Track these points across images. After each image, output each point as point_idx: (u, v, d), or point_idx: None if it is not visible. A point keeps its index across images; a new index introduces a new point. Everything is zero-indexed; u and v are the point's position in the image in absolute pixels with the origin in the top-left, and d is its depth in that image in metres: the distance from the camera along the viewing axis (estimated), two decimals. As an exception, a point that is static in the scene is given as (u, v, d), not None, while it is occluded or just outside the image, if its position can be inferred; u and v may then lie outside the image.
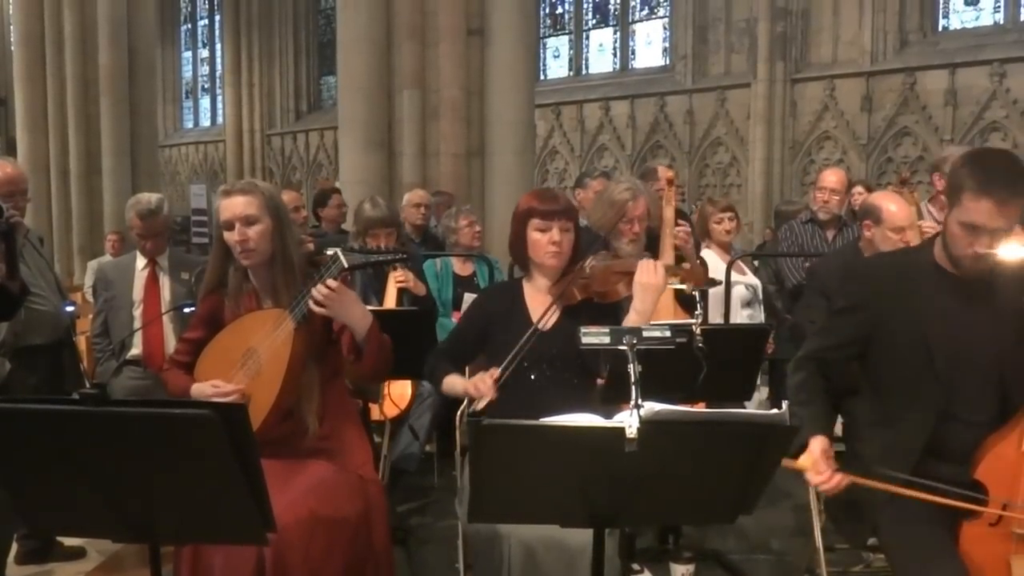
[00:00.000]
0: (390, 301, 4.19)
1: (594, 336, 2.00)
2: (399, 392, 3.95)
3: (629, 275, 2.66)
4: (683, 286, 2.86)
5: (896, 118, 11.98)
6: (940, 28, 12.05)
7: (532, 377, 2.71)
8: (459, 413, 3.16)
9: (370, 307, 2.93)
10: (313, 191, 15.74)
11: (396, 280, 4.18)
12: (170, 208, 4.32)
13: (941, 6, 12.03)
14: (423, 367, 2.93)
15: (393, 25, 7.48)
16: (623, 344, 1.95)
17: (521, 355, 2.64)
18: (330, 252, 2.51)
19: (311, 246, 3.78)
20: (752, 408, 4.36)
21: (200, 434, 1.70)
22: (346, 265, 2.44)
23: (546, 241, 2.72)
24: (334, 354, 2.65)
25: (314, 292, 2.45)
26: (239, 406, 1.80)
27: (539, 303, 2.78)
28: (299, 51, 19.17)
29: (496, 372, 2.60)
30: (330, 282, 2.45)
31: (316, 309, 2.46)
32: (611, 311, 2.75)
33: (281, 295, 2.58)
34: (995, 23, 11.67)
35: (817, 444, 2.44)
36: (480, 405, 2.60)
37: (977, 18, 11.83)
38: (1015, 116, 11.09)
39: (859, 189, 5.70)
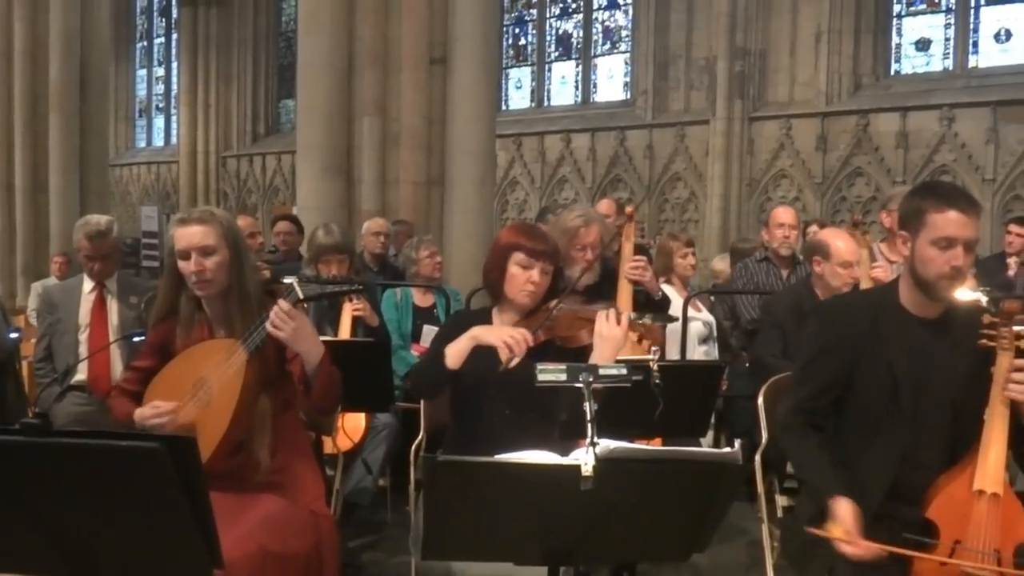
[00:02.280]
0: (344, 331, 4.14)
1: (551, 373, 1.99)
2: (353, 425, 3.90)
3: (593, 322, 2.65)
4: (640, 341, 2.83)
5: (850, 158, 12.23)
6: (892, 72, 12.37)
7: (492, 414, 2.69)
8: (414, 447, 3.13)
9: (324, 337, 2.89)
10: (269, 216, 15.61)
11: (352, 310, 4.13)
12: (120, 230, 4.24)
13: (893, 51, 12.35)
14: (376, 399, 2.90)
15: (355, 51, 7.47)
16: (579, 382, 1.95)
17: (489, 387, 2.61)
18: (286, 281, 2.48)
19: (267, 274, 3.73)
20: (705, 444, 4.39)
21: (148, 467, 1.66)
22: (301, 296, 2.42)
23: (524, 279, 2.70)
24: (287, 386, 2.60)
25: (272, 314, 2.42)
26: (188, 439, 1.75)
27: None
28: (258, 73, 19.03)
29: (529, 336, 2.54)
30: (285, 304, 2.42)
31: (271, 331, 2.42)
32: (575, 357, 2.74)
33: (235, 326, 2.54)
34: (944, 69, 12.02)
35: (845, 509, 2.35)
36: (513, 363, 2.52)
37: (928, 64, 12.17)
38: (963, 160, 11.39)
39: (815, 228, 5.81)
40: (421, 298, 4.93)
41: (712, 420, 4.59)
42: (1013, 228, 6.40)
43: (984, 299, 2.45)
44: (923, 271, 2.43)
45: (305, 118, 7.68)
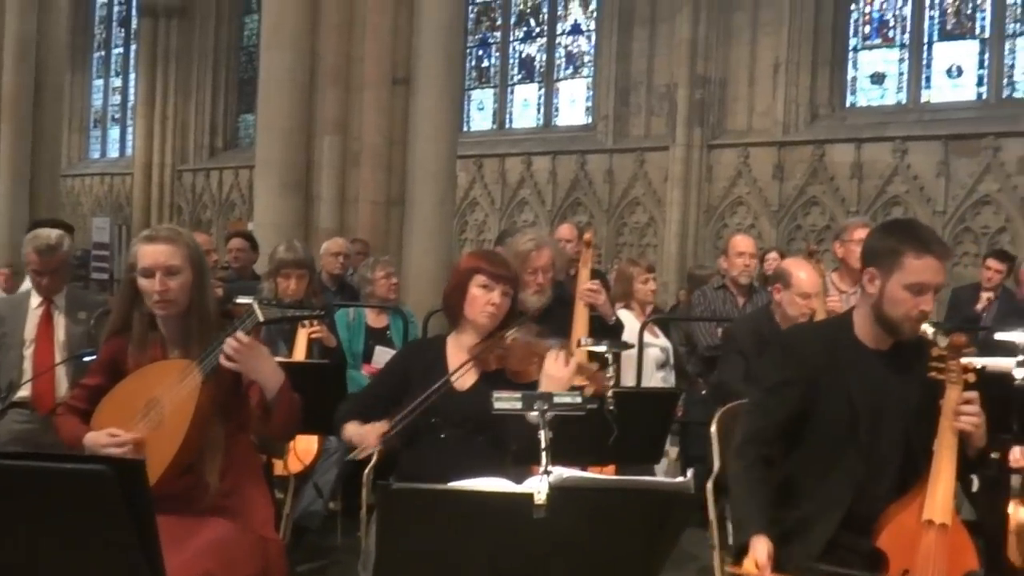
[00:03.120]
0: (300, 352, 4.09)
1: (507, 401, 1.99)
2: (305, 447, 3.84)
3: (543, 359, 2.66)
4: (583, 388, 2.82)
5: (806, 187, 12.43)
6: (848, 104, 12.61)
7: (444, 437, 2.68)
8: (366, 471, 3.10)
9: (278, 358, 2.86)
10: (224, 231, 15.42)
11: (310, 332, 4.08)
12: (71, 244, 4.15)
13: (849, 84, 12.61)
14: (329, 421, 2.88)
15: (318, 69, 7.46)
16: (534, 410, 1.95)
17: (422, 409, 2.60)
18: (244, 300, 2.45)
19: (219, 291, 3.68)
20: (660, 471, 4.41)
21: (94, 491, 1.62)
22: (261, 319, 2.39)
23: (485, 300, 2.72)
24: (241, 408, 2.56)
25: (225, 346, 2.38)
26: (137, 462, 1.72)
27: (460, 361, 2.77)
28: (217, 86, 18.85)
29: (385, 426, 2.57)
30: (242, 335, 2.38)
31: (226, 363, 2.39)
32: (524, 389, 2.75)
33: (192, 346, 2.50)
34: (898, 103, 12.29)
35: (761, 547, 2.37)
36: (360, 456, 2.58)
37: (882, 97, 12.44)
38: (915, 191, 11.63)
39: (774, 255, 5.88)
40: (375, 318, 4.89)
41: (668, 446, 4.63)
42: (992, 263, 6.40)
43: (931, 331, 2.49)
44: (891, 311, 2.46)
45: (265, 134, 7.64)
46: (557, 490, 1.77)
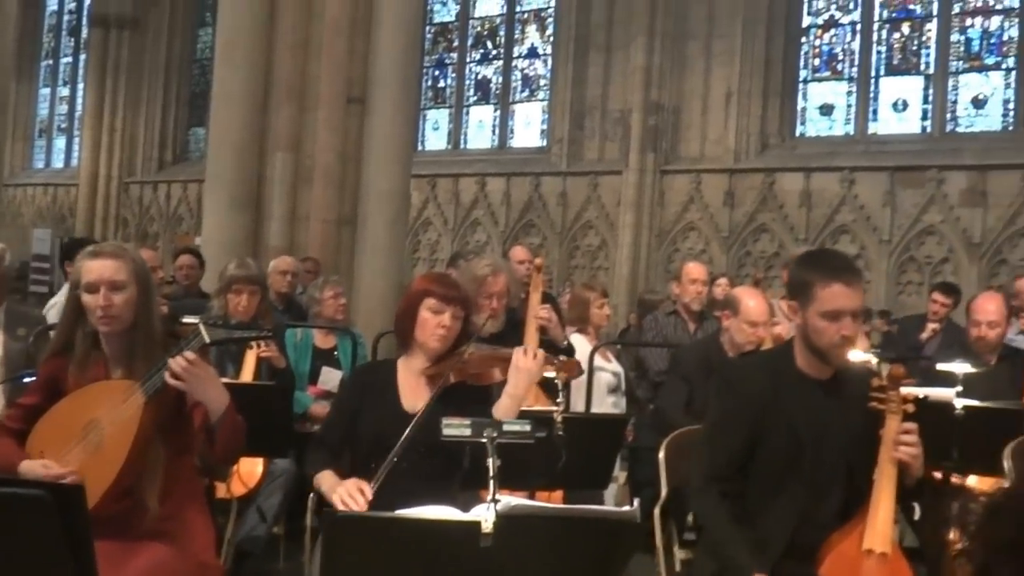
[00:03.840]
0: (248, 372, 4.01)
1: (455, 428, 1.97)
2: (248, 470, 3.76)
3: (507, 362, 2.67)
4: (555, 376, 2.87)
5: (755, 215, 12.63)
6: (797, 134, 12.87)
7: (395, 461, 2.65)
8: (312, 495, 3.04)
9: (224, 379, 2.81)
10: (171, 245, 15.16)
11: (259, 353, 4.01)
12: (11, 258, 4.04)
13: (799, 115, 12.87)
14: (275, 443, 2.83)
15: (272, 85, 7.40)
16: (483, 437, 1.94)
17: (395, 451, 2.57)
18: (190, 320, 2.41)
19: (164, 309, 3.60)
20: (609, 495, 4.41)
21: (30, 516, 1.57)
22: (207, 340, 2.34)
23: (435, 323, 2.72)
24: (183, 430, 2.51)
25: (171, 363, 2.33)
26: (76, 487, 1.67)
27: (411, 385, 2.77)
28: (168, 99, 18.60)
29: (368, 492, 2.50)
30: (189, 354, 2.34)
31: (171, 382, 2.34)
32: (483, 395, 2.74)
33: (135, 366, 2.44)
34: (846, 134, 12.57)
35: None
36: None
37: (830, 128, 12.72)
38: (862, 220, 11.88)
39: (723, 281, 5.96)
40: (322, 339, 4.82)
41: (617, 471, 4.63)
42: (937, 297, 6.51)
43: (874, 361, 2.54)
44: (816, 340, 2.52)
45: (216, 149, 7.55)
46: (504, 519, 1.77)
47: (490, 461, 1.89)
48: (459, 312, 2.75)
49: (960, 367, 3.79)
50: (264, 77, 7.37)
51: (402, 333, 2.83)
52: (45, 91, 21.77)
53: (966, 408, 3.49)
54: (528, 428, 2.01)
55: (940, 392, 3.54)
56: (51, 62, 21.76)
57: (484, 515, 1.76)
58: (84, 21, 20.20)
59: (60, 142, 21.45)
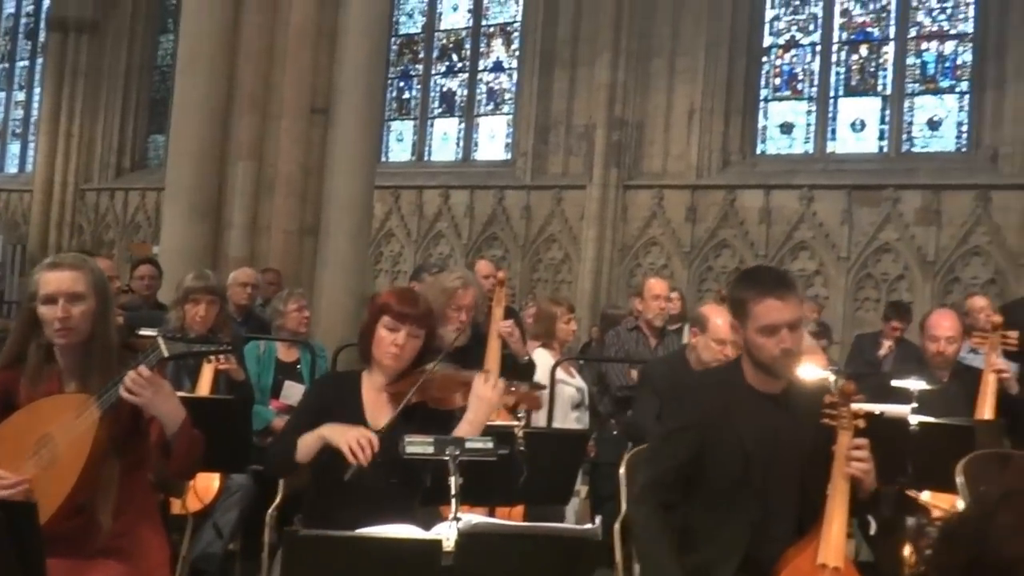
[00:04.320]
0: (205, 386, 3.95)
1: (418, 445, 1.96)
2: (205, 485, 3.70)
3: (468, 386, 2.66)
4: (515, 405, 2.86)
5: (717, 230, 12.75)
6: (758, 152, 13.03)
7: (354, 477, 2.63)
8: (270, 511, 3.01)
9: (182, 392, 2.76)
10: (127, 253, 14.92)
11: (217, 364, 3.95)
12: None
13: (759, 133, 13.04)
14: (233, 458, 2.79)
15: (234, 94, 7.32)
16: (446, 455, 1.93)
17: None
18: (148, 333, 2.37)
19: (120, 320, 3.54)
20: (570, 510, 4.41)
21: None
22: (166, 354, 2.30)
23: (389, 341, 2.70)
24: (138, 446, 2.46)
25: (127, 379, 2.29)
26: (29, 505, 1.63)
27: (373, 399, 2.76)
28: (127, 105, 18.30)
29: (376, 440, 2.51)
30: (144, 369, 2.30)
31: (126, 396, 2.29)
32: (445, 418, 2.72)
33: (91, 380, 2.39)
34: (805, 152, 12.76)
35: None
36: (353, 471, 2.49)
37: (790, 146, 12.90)
38: (820, 237, 12.05)
39: (676, 295, 6.01)
40: (285, 352, 4.77)
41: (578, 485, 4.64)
42: (897, 324, 6.62)
43: (832, 378, 2.58)
44: (758, 356, 2.58)
45: (176, 158, 7.45)
46: (466, 537, 1.76)
47: (452, 479, 1.88)
48: (416, 331, 2.73)
49: (915, 384, 3.86)
50: (226, 85, 7.29)
51: (363, 348, 2.82)
52: (0, 95, 21.36)
53: (921, 424, 3.54)
54: (490, 446, 2.00)
55: (895, 408, 3.59)
56: (7, 65, 21.34)
57: (445, 533, 1.76)
58: (42, 24, 19.87)
59: (15, 147, 21.02)
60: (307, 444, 2.64)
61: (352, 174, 7.50)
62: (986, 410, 4.16)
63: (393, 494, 2.64)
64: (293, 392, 4.48)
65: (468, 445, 1.97)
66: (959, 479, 3.40)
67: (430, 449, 1.98)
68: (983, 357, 4.40)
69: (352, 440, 2.51)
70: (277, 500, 3.01)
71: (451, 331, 3.69)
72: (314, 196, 7.50)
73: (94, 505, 2.36)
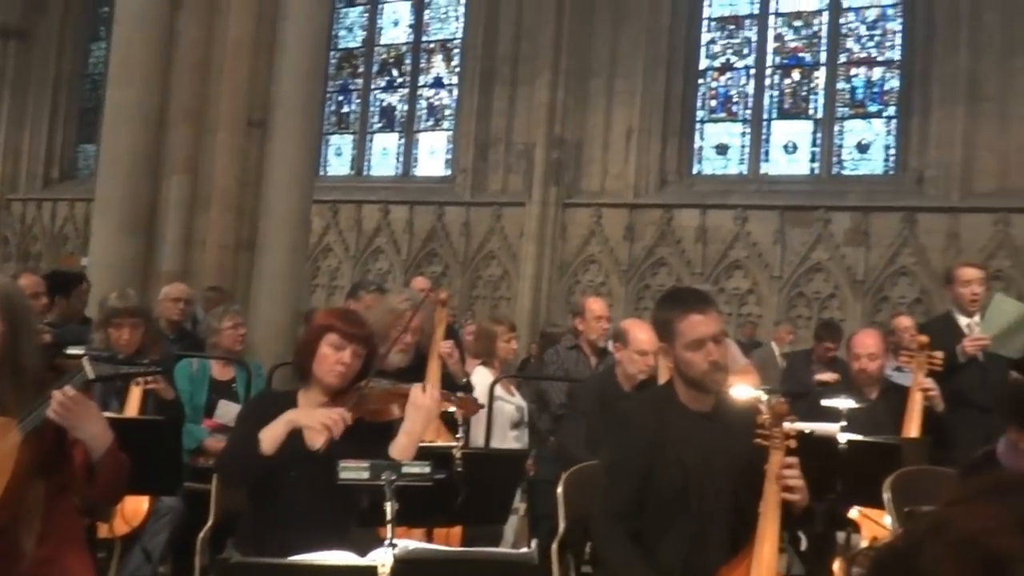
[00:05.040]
0: (133, 406, 3.84)
1: (352, 471, 1.93)
2: (133, 508, 3.59)
3: (405, 397, 2.65)
4: (454, 410, 2.87)
5: (654, 249, 12.93)
6: (694, 172, 13.28)
7: (293, 497, 2.58)
8: (202, 534, 2.93)
9: (109, 413, 2.69)
10: (55, 265, 14.46)
11: (144, 383, 3.84)
12: None
13: (696, 153, 13.29)
14: (163, 481, 2.72)
15: (169, 105, 7.17)
16: (381, 480, 1.90)
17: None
18: (75, 352, 2.29)
19: (47, 337, 3.43)
20: (509, 528, 4.40)
21: None
22: (91, 376, 2.23)
23: (335, 359, 2.68)
24: (63, 469, 2.37)
25: (53, 400, 2.21)
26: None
27: None
28: (56, 114, 17.85)
29: (347, 414, 2.51)
30: (69, 390, 2.22)
31: (51, 416, 2.22)
32: (382, 430, 2.70)
33: (7, 405, 2.30)
34: (740, 173, 13.04)
35: None
36: (322, 443, 2.49)
37: (725, 167, 13.17)
38: (754, 257, 12.30)
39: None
40: (220, 370, 4.65)
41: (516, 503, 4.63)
42: (829, 345, 6.70)
43: (764, 397, 2.63)
44: (688, 372, 2.64)
45: (107, 169, 7.26)
46: (402, 563, 1.74)
47: (388, 505, 1.85)
48: (360, 350, 2.71)
49: (844, 402, 3.94)
50: (161, 96, 7.14)
51: (301, 366, 2.78)
52: (-78, 102, 20.61)
53: (849, 442, 3.62)
54: (427, 470, 1.98)
55: (825, 427, 3.66)
56: (-70, 72, 20.64)
57: (381, 559, 1.74)
58: (-32, 30, 19.27)
59: (-63, 155, 20.31)
60: (274, 435, 2.59)
61: (290, 188, 7.39)
62: (913, 428, 4.27)
63: (329, 516, 2.60)
64: (227, 411, 4.38)
65: (404, 470, 1.95)
66: (886, 495, 3.49)
67: (365, 475, 1.95)
68: (910, 375, 4.51)
69: (322, 417, 2.54)
70: (209, 523, 2.93)
71: (395, 352, 3.67)
72: (250, 210, 7.37)
73: (16, 530, 2.27)
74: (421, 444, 2.71)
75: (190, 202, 7.15)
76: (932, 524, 0.92)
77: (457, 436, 3.09)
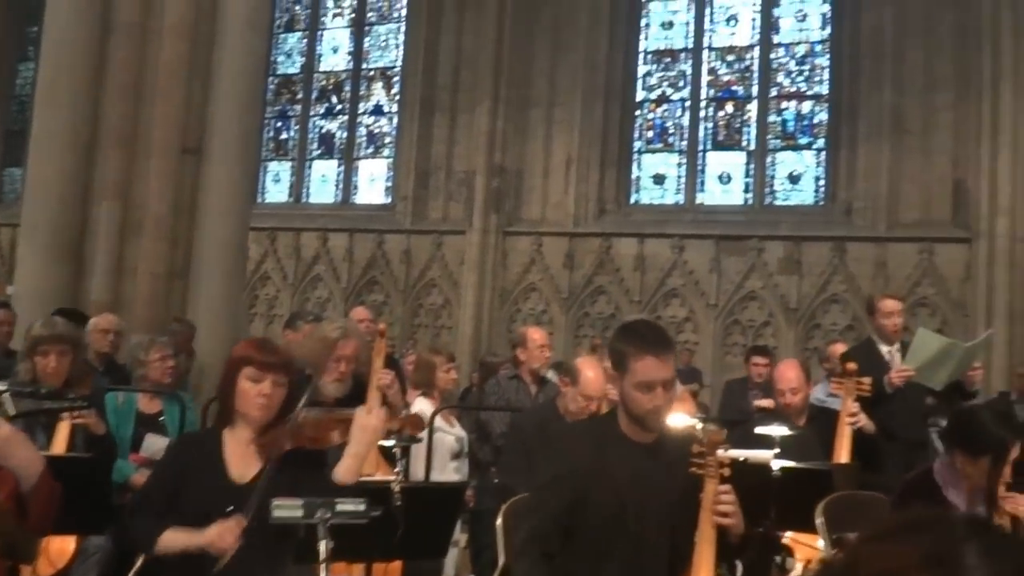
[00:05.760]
0: (60, 442, 3.69)
1: (286, 510, 1.89)
2: (60, 547, 3.46)
3: (345, 423, 2.61)
4: (400, 430, 2.83)
5: (593, 277, 13.02)
6: (632, 201, 13.44)
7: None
8: (132, 574, 2.84)
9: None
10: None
11: (72, 417, 3.70)
12: None
13: (633, 183, 13.46)
14: (93, 520, 2.63)
15: (99, 131, 7.01)
16: (315, 519, 1.86)
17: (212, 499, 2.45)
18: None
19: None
20: (450, 560, 4.35)
21: None
22: (12, 412, 2.16)
23: (256, 392, 2.61)
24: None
25: None
26: None
27: (239, 454, 2.64)
28: (-19, 135, 17.36)
29: (243, 521, 2.39)
30: None
31: None
32: (319, 459, 2.65)
33: None
34: (676, 203, 13.24)
35: None
36: (224, 561, 2.38)
37: (662, 196, 13.36)
38: (691, 285, 12.48)
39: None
40: (147, 404, 4.52)
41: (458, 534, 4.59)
42: (758, 360, 6.72)
43: (699, 426, 2.66)
44: (632, 408, 2.66)
45: (34, 193, 7.06)
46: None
47: (323, 544, 1.81)
48: (280, 379, 2.65)
49: (777, 430, 4.01)
50: (91, 120, 6.98)
51: (224, 403, 2.71)
52: None
53: (782, 469, 3.68)
54: (362, 507, 1.94)
55: (758, 454, 3.71)
56: None
57: (316, 599, 1.69)
58: None
59: None
60: (173, 544, 2.53)
61: (226, 215, 7.27)
62: (843, 454, 4.35)
63: (264, 553, 2.53)
64: (154, 444, 4.26)
65: (339, 508, 1.91)
66: (819, 520, 3.56)
67: (299, 513, 1.91)
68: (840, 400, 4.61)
69: (213, 535, 2.42)
70: (138, 564, 2.84)
71: (330, 382, 3.61)
72: (185, 238, 7.23)
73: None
74: (360, 479, 2.67)
75: (121, 229, 6.99)
76: (844, 563, 0.95)
77: (396, 470, 3.05)
